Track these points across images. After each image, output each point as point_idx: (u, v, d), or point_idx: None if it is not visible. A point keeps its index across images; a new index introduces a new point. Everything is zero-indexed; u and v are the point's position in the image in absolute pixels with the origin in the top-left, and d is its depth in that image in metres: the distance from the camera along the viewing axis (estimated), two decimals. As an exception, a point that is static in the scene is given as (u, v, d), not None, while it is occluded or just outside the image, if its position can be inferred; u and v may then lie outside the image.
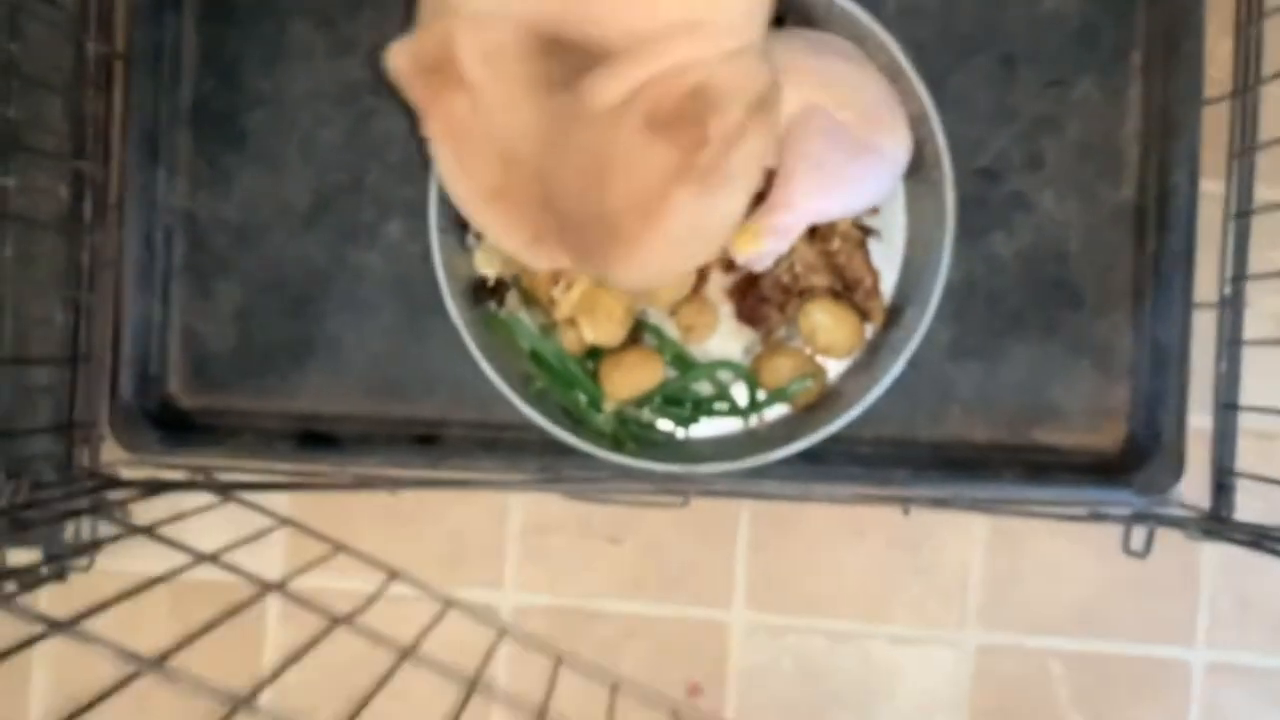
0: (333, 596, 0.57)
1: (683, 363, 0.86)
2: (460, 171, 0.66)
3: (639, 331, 0.86)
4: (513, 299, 0.86)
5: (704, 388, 0.87)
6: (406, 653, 0.48)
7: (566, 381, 0.85)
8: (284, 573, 0.58)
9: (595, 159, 0.61)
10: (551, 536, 0.74)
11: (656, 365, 0.84)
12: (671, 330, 0.86)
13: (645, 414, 0.87)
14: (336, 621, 0.53)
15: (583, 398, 0.85)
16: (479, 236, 0.84)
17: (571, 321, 0.84)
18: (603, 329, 0.82)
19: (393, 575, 0.72)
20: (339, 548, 0.68)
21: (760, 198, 0.79)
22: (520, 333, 0.85)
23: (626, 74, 0.58)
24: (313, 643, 0.51)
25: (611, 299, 0.82)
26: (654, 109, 0.58)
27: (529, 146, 0.62)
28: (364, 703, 0.43)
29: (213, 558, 0.60)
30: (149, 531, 0.64)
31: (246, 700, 0.42)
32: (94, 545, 0.84)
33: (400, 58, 0.62)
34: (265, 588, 0.55)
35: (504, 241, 0.70)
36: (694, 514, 0.83)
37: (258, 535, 0.66)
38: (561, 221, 0.65)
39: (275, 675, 0.46)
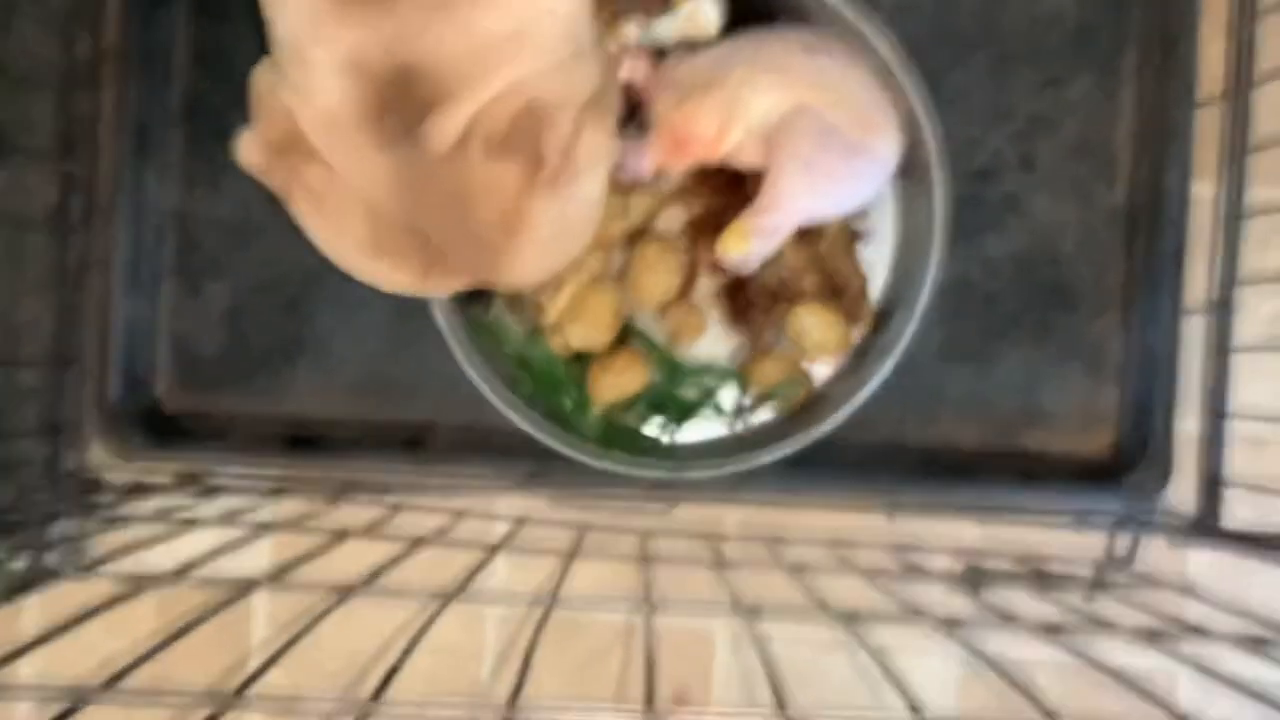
0: (316, 596, 0.57)
1: (670, 367, 0.86)
2: (334, 235, 0.69)
3: (627, 335, 0.86)
4: (499, 304, 0.86)
5: (691, 391, 0.87)
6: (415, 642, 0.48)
7: (553, 386, 0.85)
8: (270, 572, 0.58)
9: (452, 193, 0.65)
10: (538, 543, 0.74)
11: (643, 369, 0.84)
12: (659, 333, 0.86)
13: (632, 419, 0.87)
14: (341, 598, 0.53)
15: (569, 402, 0.85)
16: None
17: (559, 326, 0.84)
18: (590, 334, 0.82)
19: (395, 508, 0.74)
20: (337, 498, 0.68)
21: (748, 198, 0.79)
22: (506, 337, 0.85)
23: (456, 112, 0.62)
24: (304, 630, 0.51)
25: (599, 304, 0.82)
26: (489, 136, 0.63)
27: (390, 197, 0.66)
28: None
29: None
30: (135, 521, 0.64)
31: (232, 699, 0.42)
32: (81, 548, 0.84)
33: (251, 152, 0.66)
34: (250, 584, 0.55)
35: (396, 283, 0.73)
36: (681, 517, 0.83)
37: (243, 541, 0.66)
38: (439, 253, 0.69)
39: (266, 664, 0.46)
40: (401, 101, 0.62)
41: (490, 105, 0.63)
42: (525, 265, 0.70)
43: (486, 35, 0.61)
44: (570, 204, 0.68)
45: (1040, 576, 0.70)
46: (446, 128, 0.62)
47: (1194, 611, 0.58)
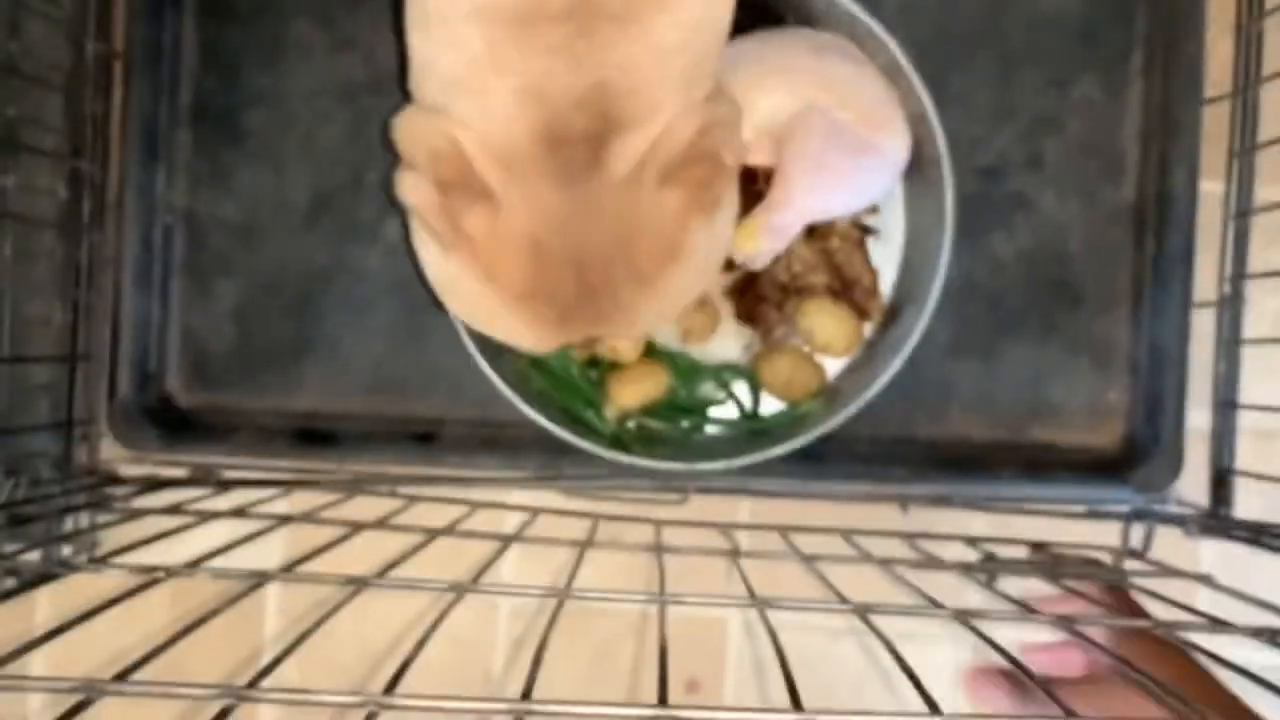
0: (329, 590, 0.57)
1: (689, 368, 0.86)
2: (487, 283, 0.67)
3: (648, 345, 0.86)
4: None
5: (709, 389, 0.87)
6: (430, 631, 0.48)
7: (568, 387, 0.85)
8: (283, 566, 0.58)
9: (622, 224, 0.64)
10: (552, 533, 0.74)
11: (662, 375, 0.84)
12: (672, 332, 0.86)
13: (653, 421, 0.87)
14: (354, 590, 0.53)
15: (583, 403, 0.85)
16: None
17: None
18: (621, 346, 0.82)
19: (411, 499, 0.73)
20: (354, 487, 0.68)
21: (759, 196, 0.79)
22: (519, 335, 0.85)
23: (638, 138, 0.62)
24: (317, 623, 0.51)
25: None
26: (665, 165, 0.62)
27: (557, 233, 0.64)
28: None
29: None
30: (150, 513, 0.64)
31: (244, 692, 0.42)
32: (93, 542, 0.84)
33: (417, 192, 0.63)
34: (263, 577, 0.55)
35: (526, 336, 0.71)
36: (693, 511, 0.83)
37: (257, 533, 0.66)
38: (589, 293, 0.67)
39: (279, 658, 0.46)
40: (585, 127, 0.61)
41: (668, 129, 0.62)
42: (671, 298, 0.69)
43: (665, 49, 0.61)
44: (716, 228, 0.68)
45: (1056, 562, 0.70)
46: (630, 153, 0.62)
47: (1207, 603, 0.58)
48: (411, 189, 0.64)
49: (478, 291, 0.68)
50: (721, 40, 0.66)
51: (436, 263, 0.69)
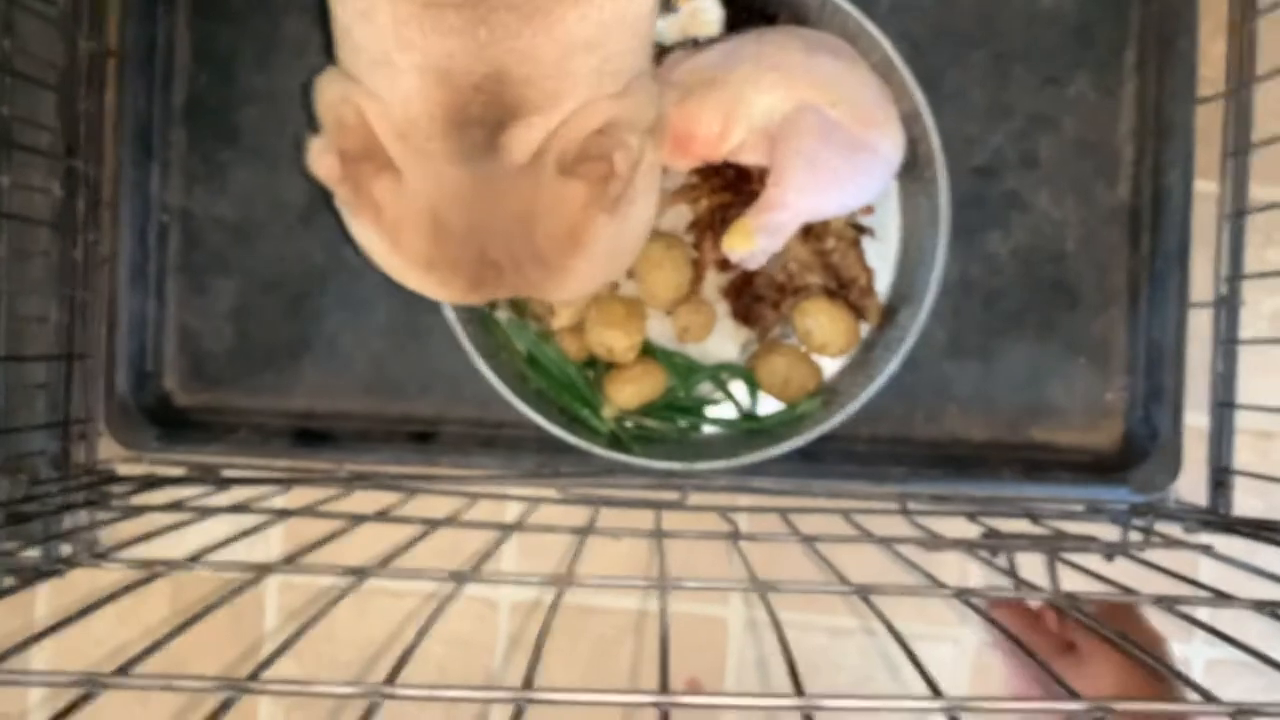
0: (325, 587, 0.57)
1: (686, 368, 0.86)
2: (392, 250, 0.68)
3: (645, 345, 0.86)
4: (504, 307, 0.87)
5: (706, 389, 0.88)
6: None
7: (564, 387, 0.85)
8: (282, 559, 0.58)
9: (521, 208, 0.65)
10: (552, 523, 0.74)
11: (660, 375, 0.84)
12: (668, 331, 0.86)
13: (650, 420, 0.87)
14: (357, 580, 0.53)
15: (580, 403, 0.85)
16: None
17: (574, 329, 0.84)
18: (620, 339, 0.82)
19: (411, 492, 0.74)
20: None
21: (754, 196, 0.79)
22: (519, 337, 0.85)
23: (537, 125, 0.62)
24: (317, 615, 0.51)
25: (632, 309, 0.82)
26: (563, 154, 0.63)
27: (457, 209, 0.65)
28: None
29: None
30: (146, 510, 0.64)
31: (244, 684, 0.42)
32: (92, 540, 0.83)
33: (322, 161, 0.63)
34: (262, 570, 0.55)
35: (443, 296, 0.72)
36: (691, 503, 0.83)
37: (257, 528, 0.66)
38: (495, 268, 0.68)
39: (280, 649, 0.46)
40: (483, 111, 0.61)
41: (568, 122, 0.62)
42: (577, 281, 0.70)
43: (572, 42, 0.61)
44: (625, 224, 0.69)
45: (1058, 538, 0.70)
46: (526, 140, 0.62)
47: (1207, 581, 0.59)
48: (316, 157, 0.63)
49: (387, 254, 0.69)
50: (643, 37, 0.67)
51: (352, 224, 0.70)
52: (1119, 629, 0.56)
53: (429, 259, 0.68)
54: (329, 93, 0.65)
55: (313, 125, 0.64)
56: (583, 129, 0.63)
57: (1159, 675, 0.58)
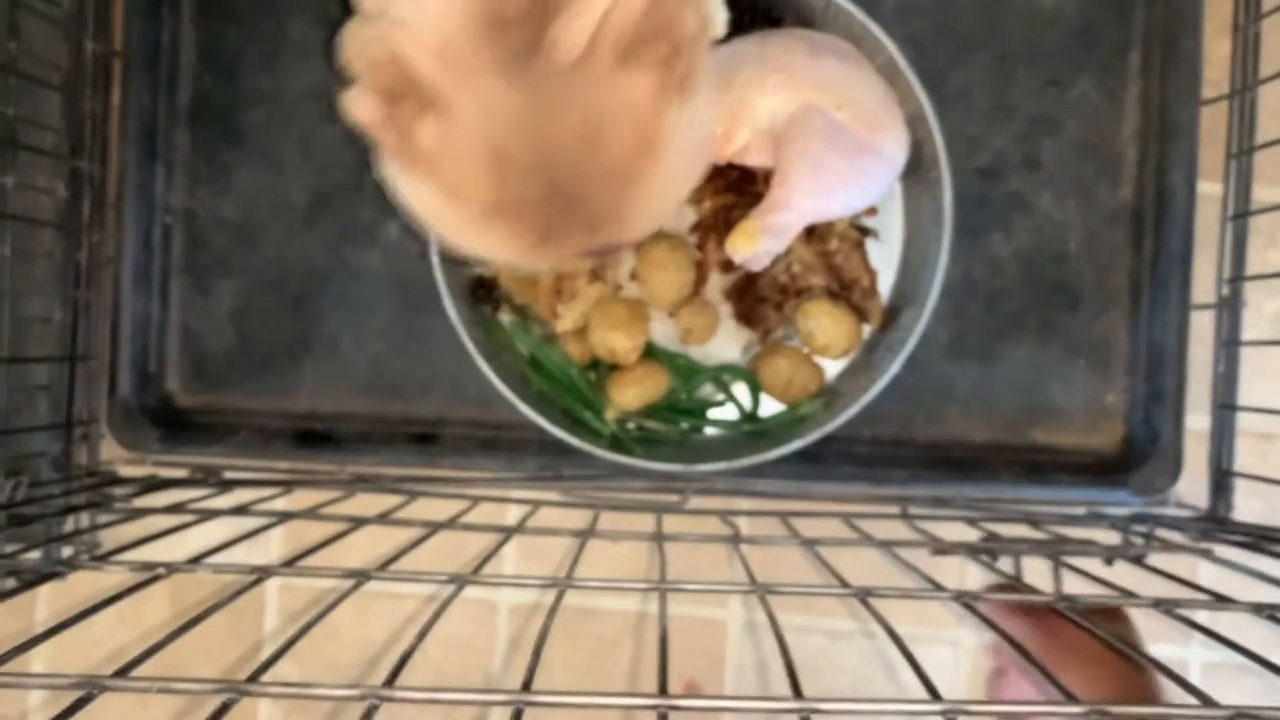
0: (325, 590, 0.57)
1: (689, 370, 0.87)
2: (450, 200, 0.61)
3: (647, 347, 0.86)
4: (506, 308, 0.87)
5: (709, 390, 0.88)
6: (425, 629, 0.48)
7: (567, 389, 0.85)
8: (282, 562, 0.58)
9: (585, 116, 0.59)
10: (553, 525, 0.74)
11: (662, 376, 0.84)
12: (671, 333, 0.86)
13: (653, 422, 0.87)
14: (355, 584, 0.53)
15: (582, 406, 0.85)
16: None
17: (578, 332, 0.84)
18: (622, 340, 0.82)
19: (412, 495, 0.73)
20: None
21: (758, 197, 0.79)
22: (521, 339, 0.85)
23: (583, 15, 0.56)
24: (318, 617, 0.51)
25: (634, 309, 0.82)
26: (618, 41, 0.57)
27: (515, 132, 0.59)
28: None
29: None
30: (149, 513, 0.64)
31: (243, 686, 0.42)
32: (94, 542, 0.84)
33: (362, 107, 0.58)
34: (262, 572, 0.55)
35: (508, 253, 0.65)
36: (692, 506, 0.83)
37: (258, 530, 0.66)
38: (566, 202, 0.61)
39: (280, 651, 0.46)
40: (521, 8, 0.55)
41: (614, 9, 0.56)
42: (652, 200, 0.63)
43: None
44: (693, 117, 0.61)
45: (1059, 542, 0.70)
46: (574, 32, 0.56)
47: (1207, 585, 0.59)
48: (356, 104, 0.58)
49: (443, 209, 0.62)
50: None
51: (400, 183, 0.63)
52: (1101, 622, 0.55)
53: (492, 203, 0.61)
54: (356, 38, 0.60)
55: (340, 83, 0.59)
56: (633, 9, 0.57)
57: (1137, 666, 0.58)
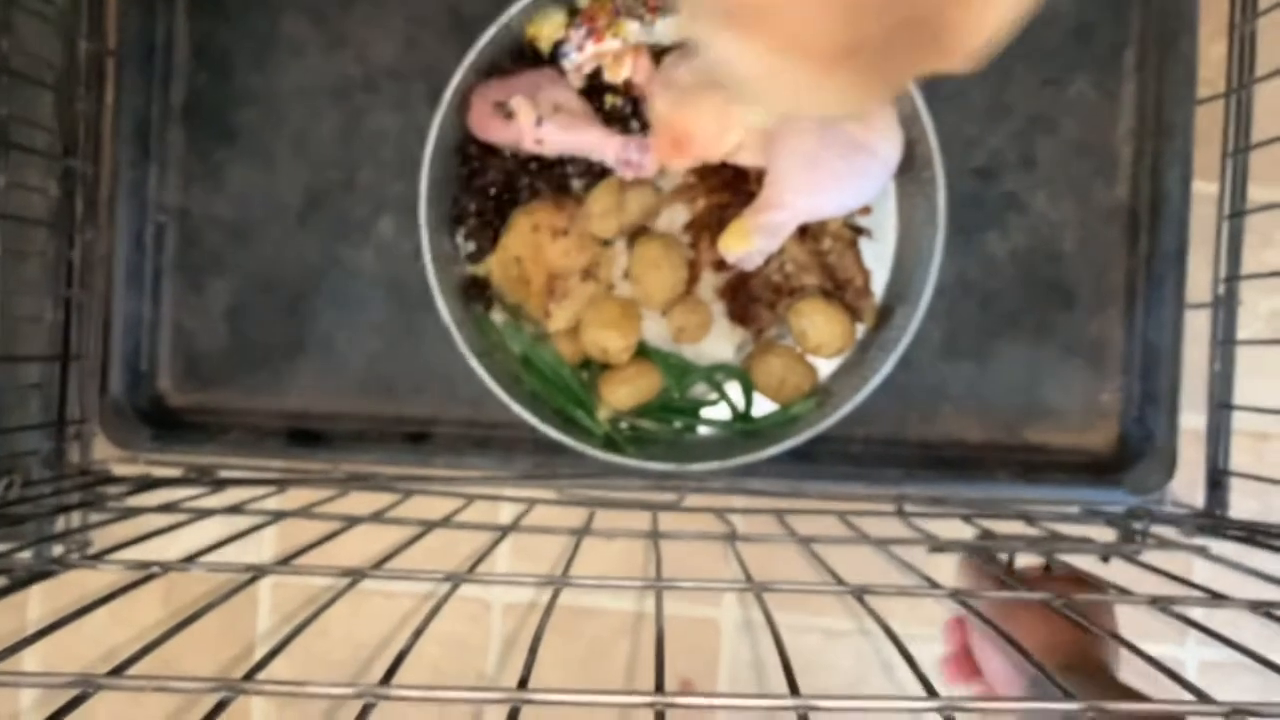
0: (319, 589, 0.57)
1: (681, 369, 0.86)
2: (788, 53, 0.50)
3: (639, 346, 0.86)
4: (498, 307, 0.86)
5: (702, 389, 0.87)
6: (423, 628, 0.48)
7: (560, 389, 0.85)
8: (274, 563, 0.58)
9: None
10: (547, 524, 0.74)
11: (654, 376, 0.84)
12: (664, 332, 0.86)
13: (646, 421, 0.87)
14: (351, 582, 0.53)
15: (575, 405, 0.85)
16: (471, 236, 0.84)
17: (570, 331, 0.84)
18: (615, 339, 0.82)
19: (406, 493, 0.73)
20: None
21: (751, 196, 0.79)
22: (514, 339, 0.85)
23: None
24: (312, 616, 0.51)
25: (626, 308, 0.82)
26: None
27: None
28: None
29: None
30: (141, 512, 0.64)
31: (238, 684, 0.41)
32: (86, 541, 0.83)
33: None
34: (255, 571, 0.55)
35: (853, 104, 0.56)
36: (687, 504, 0.83)
37: (252, 529, 0.66)
38: (917, 25, 0.50)
39: (275, 650, 0.46)
40: None
41: None
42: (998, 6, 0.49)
43: None
44: None
45: (1054, 539, 0.70)
46: None
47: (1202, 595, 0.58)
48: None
49: (775, 67, 0.51)
50: None
51: (716, 49, 0.52)
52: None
53: (839, 47, 0.50)
54: None
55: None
56: None
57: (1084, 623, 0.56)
